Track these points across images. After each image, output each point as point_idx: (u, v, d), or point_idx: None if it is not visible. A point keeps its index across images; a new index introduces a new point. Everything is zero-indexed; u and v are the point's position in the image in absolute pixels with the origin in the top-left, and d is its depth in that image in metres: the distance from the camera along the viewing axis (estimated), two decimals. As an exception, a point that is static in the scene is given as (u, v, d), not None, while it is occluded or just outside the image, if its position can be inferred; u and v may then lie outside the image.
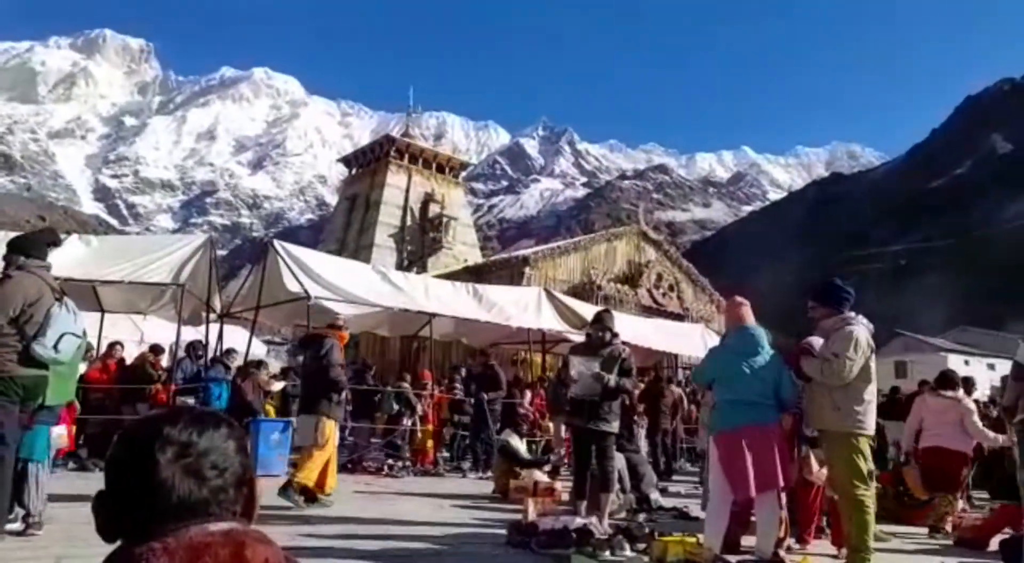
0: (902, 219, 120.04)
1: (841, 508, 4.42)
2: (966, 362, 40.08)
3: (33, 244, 4.38)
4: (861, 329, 4.32)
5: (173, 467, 1.00)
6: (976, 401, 9.81)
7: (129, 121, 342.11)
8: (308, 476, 5.98)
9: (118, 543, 1.01)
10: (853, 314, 4.43)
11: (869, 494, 4.18)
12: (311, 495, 6.03)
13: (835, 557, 4.72)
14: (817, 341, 4.66)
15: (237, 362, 10.41)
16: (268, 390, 9.91)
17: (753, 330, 4.54)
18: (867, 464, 4.23)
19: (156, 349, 10.16)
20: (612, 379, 5.40)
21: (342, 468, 9.67)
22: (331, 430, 6.25)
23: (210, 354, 10.77)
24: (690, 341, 15.16)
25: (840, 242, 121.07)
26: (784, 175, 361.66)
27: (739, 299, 4.81)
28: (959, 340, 50.37)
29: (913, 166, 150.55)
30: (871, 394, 4.32)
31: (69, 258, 4.55)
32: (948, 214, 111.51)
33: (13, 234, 9.03)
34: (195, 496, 1.01)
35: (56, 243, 4.54)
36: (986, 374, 34.10)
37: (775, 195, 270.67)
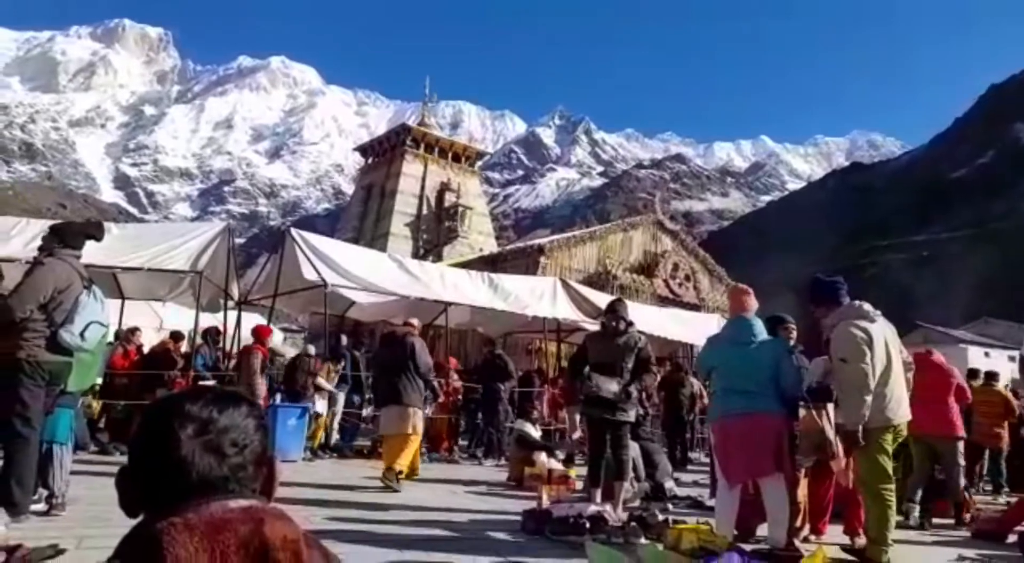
0: (924, 209, 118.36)
1: (863, 500, 4.40)
2: (986, 354, 39.56)
3: (72, 233, 4.44)
4: (856, 323, 4.21)
5: (193, 444, 1.02)
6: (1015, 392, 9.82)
7: (148, 110, 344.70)
8: (404, 462, 6.68)
9: (140, 518, 1.03)
10: (855, 304, 4.36)
11: (890, 488, 4.15)
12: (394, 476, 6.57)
13: (850, 546, 4.70)
14: None
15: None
16: (320, 386, 9.85)
17: (748, 318, 4.52)
18: (889, 458, 4.18)
19: (176, 336, 10.28)
20: (634, 391, 5.46)
21: (358, 454, 9.77)
22: (421, 420, 6.95)
23: (228, 342, 10.86)
24: (706, 331, 15.01)
25: (860, 233, 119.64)
26: (803, 165, 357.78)
27: (742, 286, 4.79)
28: (982, 332, 49.70)
29: (935, 156, 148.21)
30: (890, 384, 4.21)
31: (90, 245, 4.61)
32: (971, 204, 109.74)
33: (35, 221, 9.21)
34: (215, 472, 1.02)
35: (97, 238, 4.58)
36: (1007, 366, 33.62)
37: (794, 185, 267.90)
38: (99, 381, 7.97)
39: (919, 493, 6.16)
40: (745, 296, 4.65)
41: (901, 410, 4.26)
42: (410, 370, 6.82)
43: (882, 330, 4.26)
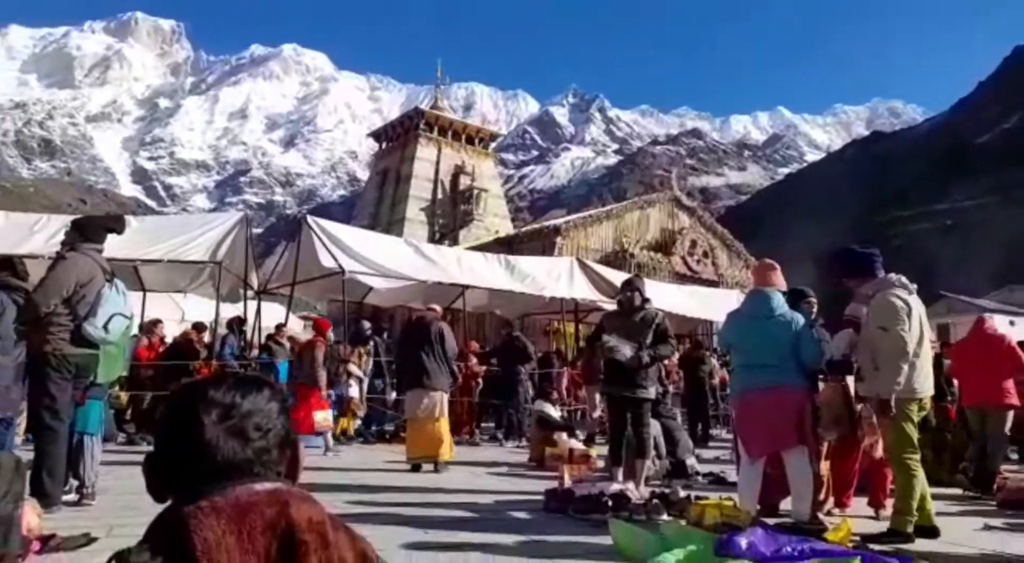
0: (947, 177, 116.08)
1: (891, 471, 4.40)
2: (1011, 322, 38.95)
3: (93, 228, 4.52)
4: (896, 292, 4.21)
5: (217, 428, 1.04)
6: None
7: (163, 103, 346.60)
8: (447, 450, 6.86)
9: (168, 503, 1.05)
10: (893, 276, 4.34)
11: (915, 459, 4.13)
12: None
13: (874, 519, 4.69)
14: (861, 310, 4.64)
15: (284, 335, 10.68)
16: (351, 372, 9.87)
17: (767, 292, 4.49)
18: (915, 428, 4.17)
19: (199, 327, 10.41)
20: (646, 357, 5.42)
21: (380, 439, 9.87)
22: (446, 403, 7.15)
23: (249, 331, 10.99)
24: (726, 307, 14.90)
25: (882, 203, 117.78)
26: (823, 135, 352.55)
27: (768, 262, 4.76)
28: (1007, 300, 48.95)
29: (957, 122, 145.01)
30: (921, 357, 4.19)
31: (111, 239, 4.70)
32: (994, 171, 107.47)
33: (56, 217, 9.34)
34: (239, 456, 1.04)
35: (117, 231, 4.64)
36: (1034, 334, 33.07)
37: (813, 156, 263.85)
38: (124, 373, 8.11)
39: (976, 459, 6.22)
40: (769, 271, 4.63)
41: (928, 383, 4.26)
42: (437, 355, 6.94)
43: (916, 304, 4.26)
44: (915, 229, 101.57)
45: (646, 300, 5.75)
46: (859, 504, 5.03)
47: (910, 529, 4.03)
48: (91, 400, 4.59)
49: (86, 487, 4.48)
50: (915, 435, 4.17)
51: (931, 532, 4.11)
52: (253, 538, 0.98)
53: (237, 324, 10.47)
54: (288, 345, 10.31)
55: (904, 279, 4.33)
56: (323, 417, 7.61)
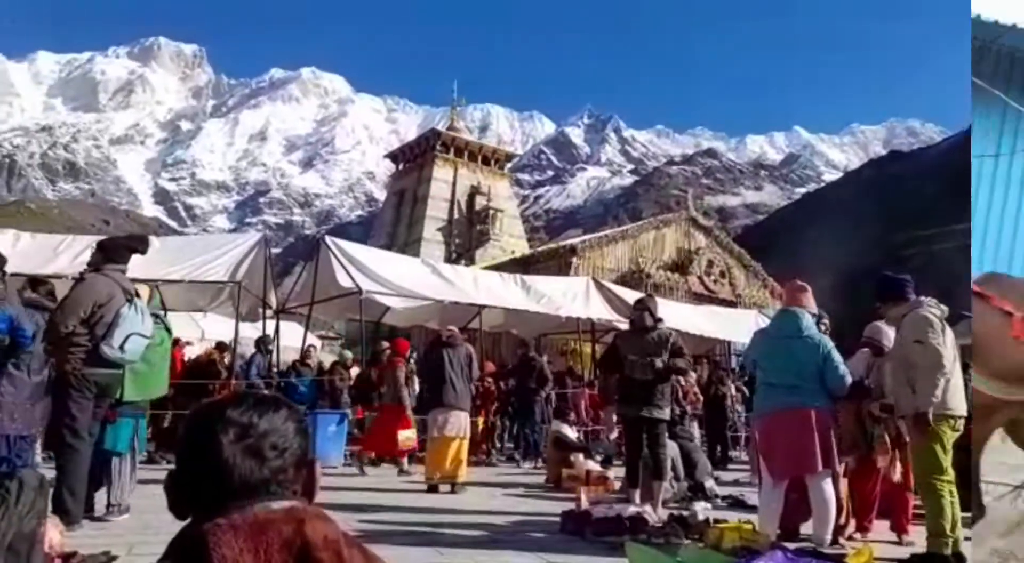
0: (966, 196, 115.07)
1: (920, 493, 4.32)
2: (1038, 344, 38.29)
3: (116, 248, 4.60)
4: (931, 309, 4.21)
5: (234, 448, 1.05)
6: None
7: (185, 125, 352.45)
8: (463, 471, 6.91)
9: (188, 521, 1.07)
10: (925, 298, 4.34)
11: (943, 479, 4.05)
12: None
13: (897, 543, 4.60)
14: (886, 330, 4.62)
15: (312, 358, 10.74)
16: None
17: (794, 312, 4.47)
18: (946, 451, 4.08)
19: (221, 346, 10.47)
20: (659, 362, 5.38)
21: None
22: (468, 423, 7.22)
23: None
24: (743, 327, 14.87)
25: (901, 222, 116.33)
26: (840, 155, 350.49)
27: (799, 282, 4.74)
28: (1030, 321, 48.17)
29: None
30: (953, 372, 4.16)
31: (133, 259, 4.78)
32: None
33: (80, 238, 9.50)
34: (256, 475, 1.06)
35: (141, 251, 4.73)
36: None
37: (830, 176, 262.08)
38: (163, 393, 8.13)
39: None
40: (800, 292, 4.62)
41: (962, 404, 4.19)
42: (464, 376, 7.03)
43: (947, 326, 4.24)
44: (935, 249, 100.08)
45: (658, 320, 5.74)
46: (881, 528, 4.95)
47: (948, 551, 3.95)
48: (123, 419, 4.63)
49: (112, 505, 4.53)
50: (945, 457, 4.08)
51: (958, 559, 4.03)
52: (270, 556, 0.99)
53: (264, 344, 10.51)
54: (315, 369, 10.39)
55: (935, 301, 4.33)
56: (406, 436, 7.81)
